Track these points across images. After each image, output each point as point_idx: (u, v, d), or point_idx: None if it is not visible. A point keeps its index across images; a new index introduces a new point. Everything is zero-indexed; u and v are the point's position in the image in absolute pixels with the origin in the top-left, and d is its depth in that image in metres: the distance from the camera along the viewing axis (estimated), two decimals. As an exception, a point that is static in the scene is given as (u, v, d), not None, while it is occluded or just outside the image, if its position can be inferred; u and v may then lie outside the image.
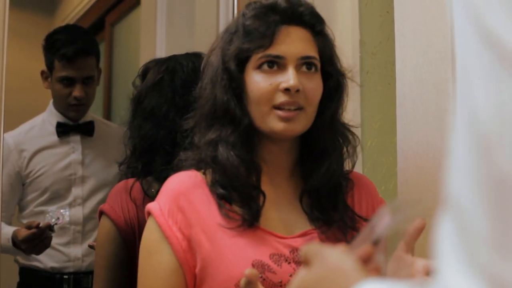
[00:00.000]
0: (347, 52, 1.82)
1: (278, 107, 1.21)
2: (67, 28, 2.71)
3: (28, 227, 2.26)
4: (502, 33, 0.49)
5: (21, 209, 2.62)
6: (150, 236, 1.23)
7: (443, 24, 1.45)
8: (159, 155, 1.61)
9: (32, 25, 4.64)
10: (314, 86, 1.24)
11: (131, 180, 1.65)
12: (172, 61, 1.72)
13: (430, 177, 1.46)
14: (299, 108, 1.22)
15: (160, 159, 1.61)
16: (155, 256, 1.21)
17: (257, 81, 1.22)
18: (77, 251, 2.57)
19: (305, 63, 1.24)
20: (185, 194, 1.23)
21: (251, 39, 1.23)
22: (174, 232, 1.19)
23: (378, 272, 0.75)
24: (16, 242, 2.32)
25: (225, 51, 1.25)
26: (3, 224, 2.42)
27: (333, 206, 1.27)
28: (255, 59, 1.23)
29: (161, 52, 2.89)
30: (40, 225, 2.25)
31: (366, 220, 1.28)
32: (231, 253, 1.18)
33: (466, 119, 0.51)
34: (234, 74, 1.23)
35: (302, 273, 0.75)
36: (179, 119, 1.54)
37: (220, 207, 1.22)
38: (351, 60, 1.81)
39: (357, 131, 1.77)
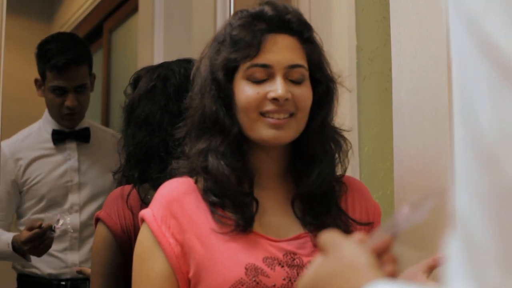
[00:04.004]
0: (344, 58, 1.82)
1: (265, 114, 1.22)
2: (58, 37, 2.67)
3: (30, 228, 2.25)
4: (502, 44, 0.47)
5: (19, 216, 2.62)
6: (143, 243, 1.24)
7: (439, 30, 1.46)
8: (154, 162, 1.61)
9: (30, 32, 4.64)
10: (303, 92, 1.24)
11: (127, 187, 1.64)
12: (163, 68, 1.71)
13: (427, 183, 1.46)
14: (290, 115, 1.23)
15: (156, 167, 1.60)
16: (148, 262, 1.22)
17: (245, 90, 1.22)
18: (74, 257, 2.56)
19: (291, 72, 1.24)
20: (178, 200, 1.24)
21: (238, 48, 1.23)
22: (167, 238, 1.20)
23: (394, 263, 0.75)
24: (16, 246, 2.31)
25: (213, 61, 1.26)
26: (1, 231, 2.42)
27: (326, 211, 1.27)
28: (243, 68, 1.23)
29: (159, 58, 2.89)
30: (42, 225, 2.24)
31: (360, 223, 1.29)
32: (225, 258, 1.18)
33: (467, 133, 0.50)
34: (222, 84, 1.24)
35: (317, 263, 0.76)
36: (173, 126, 1.55)
37: (212, 213, 1.22)
38: (348, 66, 1.81)
39: (354, 137, 1.78)
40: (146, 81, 1.69)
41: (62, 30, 4.59)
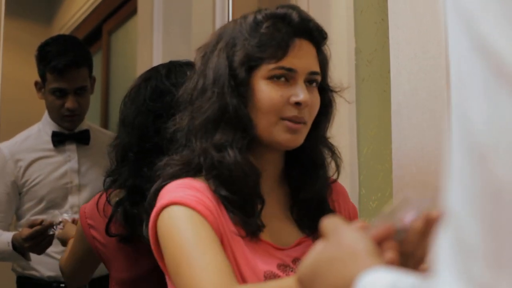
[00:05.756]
0: (343, 60, 1.83)
1: (286, 119, 1.22)
2: (58, 39, 2.67)
3: (31, 225, 2.25)
4: (499, 46, 0.48)
5: (19, 217, 2.63)
6: (180, 215, 1.14)
7: (437, 31, 1.46)
8: (127, 163, 1.61)
9: (30, 34, 4.65)
10: (316, 99, 1.26)
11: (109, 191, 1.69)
12: (152, 70, 1.71)
13: (425, 184, 1.46)
14: (304, 122, 1.24)
15: (126, 170, 1.61)
16: (196, 229, 1.13)
17: (268, 91, 1.21)
18: (73, 259, 2.56)
19: (310, 78, 1.25)
20: (201, 191, 1.19)
21: (265, 48, 1.22)
22: (208, 211, 1.15)
23: (394, 251, 0.76)
24: (17, 245, 2.32)
25: (230, 55, 1.23)
26: (0, 231, 2.42)
27: (321, 213, 1.28)
28: (265, 68, 1.22)
29: (158, 59, 2.90)
30: (43, 222, 2.25)
31: None
32: (244, 264, 1.17)
33: (461, 132, 0.51)
34: (243, 81, 1.22)
35: (318, 248, 0.76)
36: (146, 127, 1.56)
37: (227, 210, 1.19)
38: (346, 68, 1.82)
39: (353, 139, 1.79)
40: (134, 83, 1.70)
41: (61, 32, 4.60)
